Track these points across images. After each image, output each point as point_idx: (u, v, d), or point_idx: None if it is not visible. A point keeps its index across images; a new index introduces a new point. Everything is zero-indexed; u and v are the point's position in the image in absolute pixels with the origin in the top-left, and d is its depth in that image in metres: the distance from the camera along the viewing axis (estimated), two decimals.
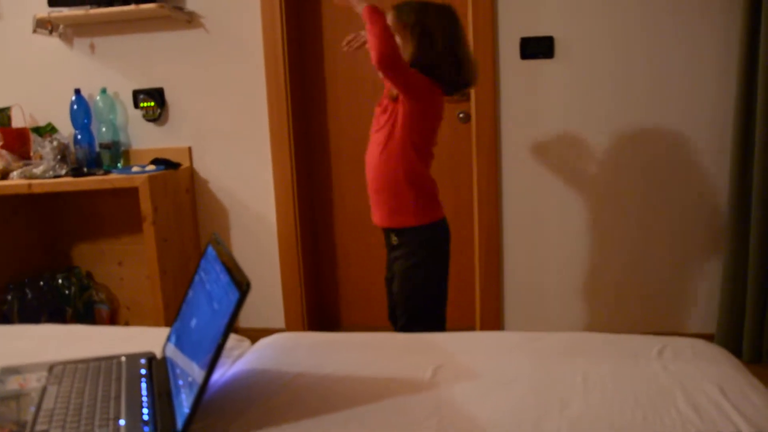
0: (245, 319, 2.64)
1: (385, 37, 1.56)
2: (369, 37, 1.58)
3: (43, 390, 1.01)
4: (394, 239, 1.75)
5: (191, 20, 2.55)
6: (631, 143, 2.34)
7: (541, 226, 2.45)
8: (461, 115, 2.55)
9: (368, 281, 2.79)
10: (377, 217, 1.77)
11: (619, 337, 1.22)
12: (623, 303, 2.46)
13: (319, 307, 2.85)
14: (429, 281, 1.74)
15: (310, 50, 2.66)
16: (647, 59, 2.28)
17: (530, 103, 2.39)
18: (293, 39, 2.59)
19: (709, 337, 2.13)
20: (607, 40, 2.30)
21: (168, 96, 2.64)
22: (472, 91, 2.41)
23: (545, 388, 1.00)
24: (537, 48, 2.33)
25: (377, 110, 1.77)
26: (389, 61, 1.57)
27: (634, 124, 2.33)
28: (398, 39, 1.64)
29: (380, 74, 1.62)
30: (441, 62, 1.64)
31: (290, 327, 2.68)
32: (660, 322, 2.44)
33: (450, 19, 1.66)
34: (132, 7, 2.43)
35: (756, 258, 2.18)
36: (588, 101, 2.35)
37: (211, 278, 1.00)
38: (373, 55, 1.57)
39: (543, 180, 2.42)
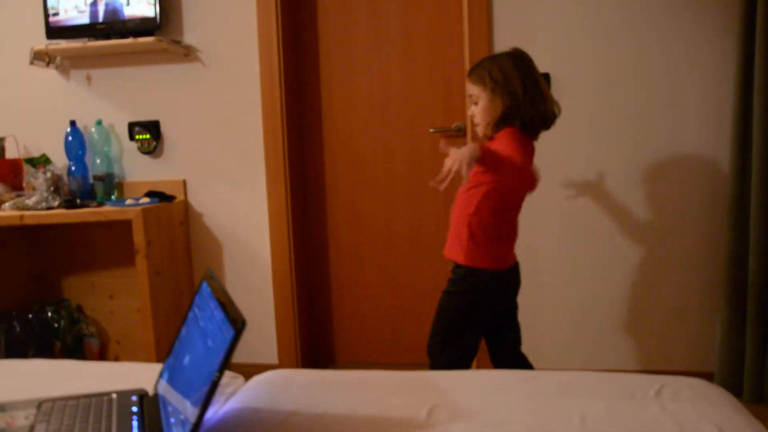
0: (237, 354, 2.61)
1: (513, 167, 1.59)
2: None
3: (31, 428, 1.00)
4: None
5: (188, 53, 2.60)
6: (629, 181, 2.37)
7: (535, 258, 2.46)
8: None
9: (363, 317, 2.79)
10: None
11: (615, 376, 1.22)
12: (620, 340, 2.45)
13: (314, 343, 2.84)
14: (458, 311, 1.82)
15: (308, 85, 2.71)
16: (649, 93, 2.32)
17: None
18: (291, 73, 2.63)
19: (708, 376, 2.12)
20: (604, 76, 2.34)
21: (164, 129, 2.67)
22: (468, 127, 2.45)
23: (542, 429, 1.00)
24: None
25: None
26: (525, 177, 1.65)
27: (637, 162, 2.36)
28: (482, 102, 1.72)
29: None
30: (528, 107, 1.69)
31: (283, 363, 2.66)
32: (658, 360, 2.43)
33: (522, 62, 1.72)
34: (130, 40, 2.48)
35: (756, 293, 2.17)
36: (588, 139, 2.38)
37: (206, 315, 1.00)
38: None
39: (536, 210, 2.44)
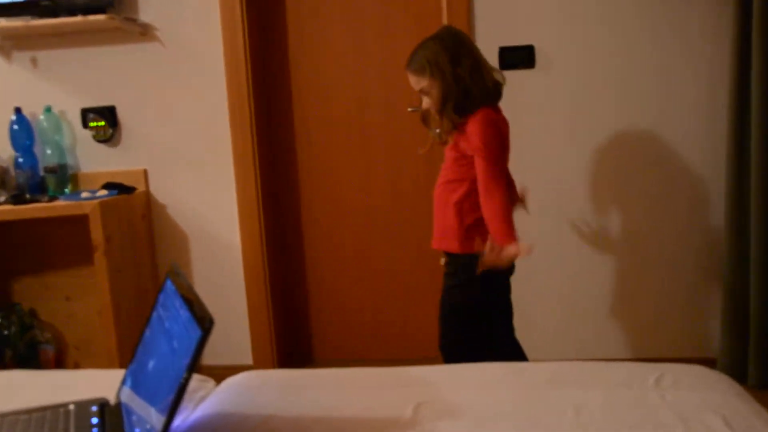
0: (208, 356, 2.61)
1: (505, 213, 1.75)
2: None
3: None
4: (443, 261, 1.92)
5: (145, 32, 2.56)
6: (621, 158, 2.39)
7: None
8: (437, 130, 2.58)
9: (343, 311, 2.79)
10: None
11: (611, 365, 1.23)
12: (616, 327, 2.48)
13: (290, 341, 2.83)
14: (467, 304, 1.89)
15: (276, 63, 2.68)
16: (634, 65, 2.34)
17: (510, 117, 2.40)
18: (257, 51, 2.60)
19: (710, 362, 2.15)
20: (590, 47, 2.35)
21: (120, 114, 2.63)
22: None
23: (534, 423, 1.01)
24: (516, 57, 2.38)
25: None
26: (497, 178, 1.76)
27: (623, 136, 2.38)
28: (433, 90, 1.78)
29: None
30: (472, 85, 1.75)
31: (258, 363, 2.65)
32: (656, 347, 2.47)
33: (452, 40, 1.78)
34: (79, 18, 2.42)
35: (758, 275, 2.19)
36: (572, 113, 2.39)
37: (171, 315, 0.99)
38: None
39: (531, 195, 2.45)
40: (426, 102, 1.82)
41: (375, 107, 2.64)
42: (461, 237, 1.82)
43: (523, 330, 2.52)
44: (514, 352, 1.97)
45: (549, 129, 2.42)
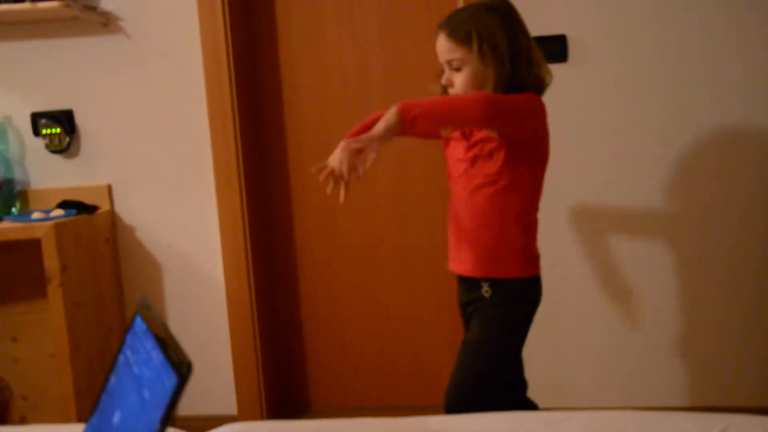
0: (185, 405, 2.61)
1: (457, 103, 1.66)
2: (449, 124, 1.70)
3: None
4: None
5: (107, 23, 2.58)
6: (666, 167, 2.39)
7: (558, 271, 2.47)
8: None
9: (344, 351, 2.79)
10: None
11: (664, 415, 1.23)
12: (668, 371, 2.47)
13: (282, 386, 2.83)
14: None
15: (264, 61, 2.71)
16: (683, 57, 2.35)
17: None
18: (241, 45, 2.63)
19: None
20: (631, 36, 2.37)
21: (79, 120, 2.65)
22: None
23: None
24: (547, 49, 2.38)
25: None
26: (491, 112, 1.64)
27: (673, 140, 2.38)
28: (469, 68, 1.72)
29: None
30: (524, 74, 1.74)
31: (244, 414, 2.65)
32: (718, 394, 2.45)
33: (511, 18, 1.76)
34: (27, 5, 2.43)
35: None
36: (611, 113, 2.40)
37: (140, 358, 0.99)
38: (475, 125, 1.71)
39: (557, 212, 2.46)
40: (451, 78, 1.76)
41: (380, 109, 2.64)
42: (524, 257, 1.79)
43: (556, 373, 2.52)
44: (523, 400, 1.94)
45: (585, 132, 2.42)
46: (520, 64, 1.71)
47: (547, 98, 2.40)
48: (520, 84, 1.72)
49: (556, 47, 2.39)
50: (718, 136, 2.36)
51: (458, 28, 1.72)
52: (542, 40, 2.38)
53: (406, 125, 1.57)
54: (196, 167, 2.61)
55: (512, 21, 1.74)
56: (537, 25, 2.38)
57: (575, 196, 2.44)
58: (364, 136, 1.57)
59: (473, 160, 1.79)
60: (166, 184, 2.63)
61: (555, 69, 2.38)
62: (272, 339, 2.79)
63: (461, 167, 1.83)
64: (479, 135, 1.78)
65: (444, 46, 1.75)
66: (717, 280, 2.41)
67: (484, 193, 1.78)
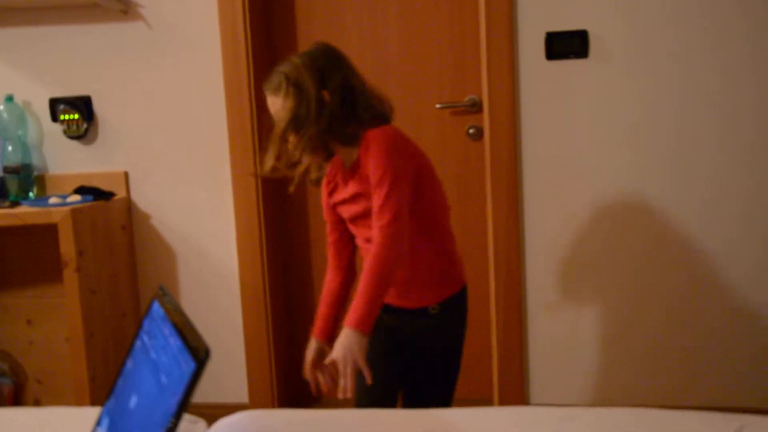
0: (198, 393, 2.61)
1: (385, 273, 1.62)
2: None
3: None
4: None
5: (127, 10, 2.59)
6: (689, 166, 2.38)
7: (574, 269, 2.47)
8: (471, 131, 2.59)
9: None
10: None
11: (679, 414, 1.22)
12: (683, 369, 2.46)
13: (294, 376, 2.83)
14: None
15: (283, 51, 2.70)
16: (704, 57, 2.33)
17: (559, 115, 2.43)
18: (260, 36, 2.63)
19: None
20: (655, 34, 2.35)
21: (97, 107, 2.66)
22: (485, 101, 2.45)
23: None
24: (567, 45, 2.38)
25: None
26: (402, 234, 1.64)
27: (690, 138, 2.37)
28: (285, 111, 1.70)
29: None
30: (352, 111, 1.72)
31: (256, 402, 2.66)
32: (733, 394, 2.44)
33: (316, 56, 1.76)
34: None
35: None
36: (630, 109, 2.38)
37: (158, 343, 1.00)
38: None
39: (576, 212, 2.45)
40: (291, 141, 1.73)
41: (398, 102, 2.64)
42: (456, 273, 1.85)
43: (569, 370, 2.52)
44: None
45: (605, 132, 2.41)
46: (336, 99, 1.69)
47: (566, 95, 2.40)
48: (350, 117, 1.70)
49: (577, 43, 2.37)
50: (739, 132, 2.34)
51: (272, 80, 1.73)
52: (562, 35, 2.38)
53: (368, 331, 1.59)
54: (212, 156, 2.61)
55: (322, 62, 1.74)
56: (557, 20, 2.38)
57: (592, 192, 2.43)
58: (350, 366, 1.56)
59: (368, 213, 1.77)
60: (183, 172, 2.64)
61: (574, 65, 2.40)
62: (285, 328, 2.80)
63: (362, 220, 1.81)
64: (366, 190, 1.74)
65: (269, 104, 1.75)
66: (732, 278, 2.40)
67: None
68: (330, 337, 1.88)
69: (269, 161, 1.71)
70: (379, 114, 1.77)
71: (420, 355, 1.89)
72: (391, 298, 1.81)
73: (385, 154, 1.65)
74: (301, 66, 1.70)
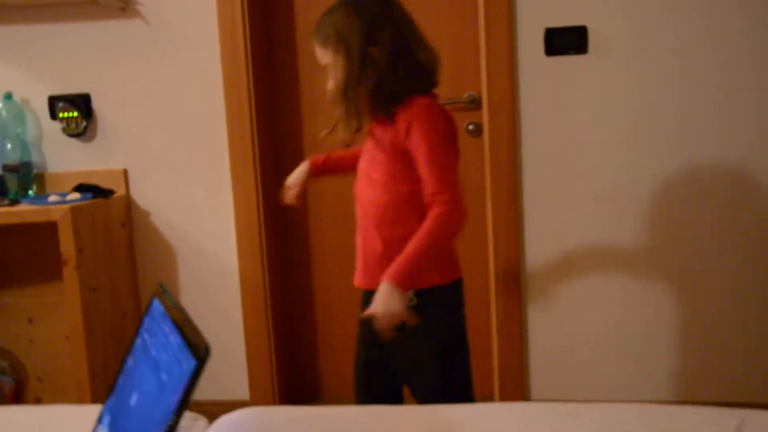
0: (199, 390, 2.61)
1: (437, 239, 1.59)
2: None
3: None
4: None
5: (125, 7, 2.58)
6: (691, 162, 2.38)
7: (575, 266, 2.47)
8: (471, 127, 2.59)
9: (355, 342, 2.78)
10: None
11: (679, 409, 1.22)
12: (683, 364, 2.46)
13: (294, 373, 2.84)
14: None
15: (281, 46, 2.70)
16: (703, 53, 2.33)
17: (558, 111, 2.43)
18: (258, 30, 2.62)
19: None
20: (655, 30, 2.35)
21: (96, 104, 2.66)
22: (485, 97, 2.45)
23: None
24: (566, 41, 2.38)
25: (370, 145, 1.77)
26: (460, 217, 1.61)
27: (694, 137, 2.37)
28: (337, 72, 1.66)
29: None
30: (393, 69, 1.64)
31: (257, 399, 2.66)
32: (733, 389, 2.44)
33: (362, 5, 1.67)
34: None
35: None
36: (632, 108, 2.38)
37: (158, 341, 1.00)
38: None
39: (577, 210, 2.44)
40: (331, 83, 1.71)
41: None
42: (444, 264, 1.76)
43: (571, 365, 2.52)
44: None
45: (604, 127, 2.41)
46: (381, 58, 1.62)
47: (565, 91, 2.40)
48: (400, 80, 1.64)
49: (576, 39, 2.37)
50: (739, 129, 2.34)
51: (319, 31, 1.68)
52: (562, 31, 2.38)
53: (405, 289, 1.57)
54: (211, 153, 2.61)
55: (373, 16, 1.64)
56: (556, 16, 2.38)
57: (591, 189, 2.43)
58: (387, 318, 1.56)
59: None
60: (182, 170, 2.64)
61: (573, 61, 2.39)
62: (285, 326, 2.80)
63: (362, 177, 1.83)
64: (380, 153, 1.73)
65: (317, 53, 1.71)
66: (731, 274, 2.40)
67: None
68: (321, 171, 1.97)
69: (342, 128, 1.68)
70: (426, 78, 1.69)
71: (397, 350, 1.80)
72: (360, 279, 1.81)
73: (434, 134, 1.62)
74: (349, 17, 1.63)
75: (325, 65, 1.69)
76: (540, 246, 2.48)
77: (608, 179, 2.42)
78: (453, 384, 1.78)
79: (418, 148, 1.62)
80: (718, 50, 2.32)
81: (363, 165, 1.79)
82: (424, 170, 1.62)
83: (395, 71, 1.63)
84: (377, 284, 1.61)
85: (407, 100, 1.65)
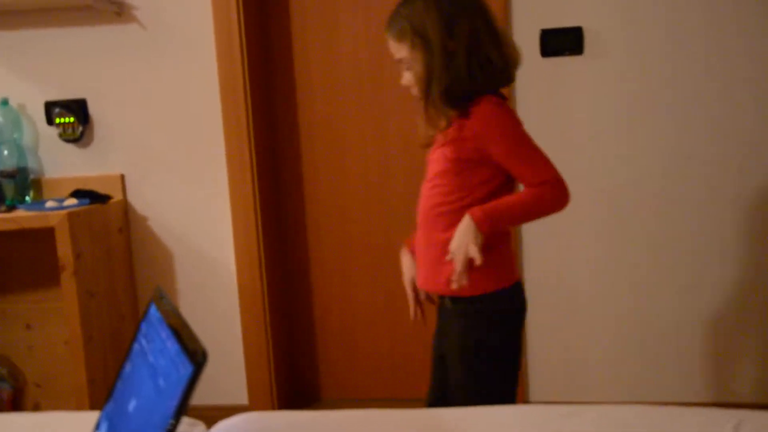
0: (197, 395, 2.61)
1: (539, 208, 1.60)
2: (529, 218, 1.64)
3: None
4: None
5: (121, 12, 2.59)
6: (689, 162, 2.38)
7: (571, 269, 2.47)
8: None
9: (354, 343, 2.79)
10: None
11: (678, 410, 1.22)
12: (682, 365, 2.47)
13: (293, 377, 2.84)
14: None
15: (277, 53, 2.70)
16: (699, 53, 2.33)
17: (554, 112, 2.43)
18: (254, 37, 2.63)
19: None
20: (650, 31, 2.35)
21: (92, 109, 2.66)
22: None
23: None
24: (562, 42, 2.39)
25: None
26: (563, 196, 1.61)
27: (688, 137, 2.37)
28: (417, 66, 1.61)
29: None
30: (471, 64, 1.59)
31: (255, 404, 2.66)
32: (731, 389, 2.45)
33: (451, 4, 1.60)
34: None
35: None
36: (626, 106, 2.39)
37: (155, 347, 1.00)
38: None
39: (571, 214, 2.43)
40: (407, 78, 1.66)
41: (393, 103, 2.65)
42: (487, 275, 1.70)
43: (569, 367, 2.52)
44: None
45: (600, 128, 2.41)
46: (459, 54, 1.57)
47: (561, 92, 2.40)
48: (472, 78, 1.58)
49: (572, 40, 2.37)
50: (734, 129, 2.34)
51: (394, 24, 1.63)
52: (557, 32, 2.38)
53: (485, 230, 1.55)
54: (208, 158, 2.61)
55: (453, 10, 1.58)
56: (552, 17, 2.39)
57: (589, 190, 2.43)
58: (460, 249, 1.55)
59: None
60: (179, 175, 2.64)
61: (569, 62, 2.40)
62: (283, 330, 2.79)
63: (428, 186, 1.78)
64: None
65: (391, 46, 1.66)
66: (729, 275, 2.40)
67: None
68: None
69: (430, 125, 1.64)
70: (497, 75, 1.63)
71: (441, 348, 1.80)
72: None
73: (510, 130, 1.62)
74: (427, 9, 1.57)
75: (399, 60, 1.65)
76: (537, 248, 2.48)
77: (605, 180, 2.42)
78: (476, 390, 1.71)
79: (499, 151, 1.59)
80: (713, 51, 2.32)
81: (429, 166, 1.76)
82: (515, 169, 1.61)
83: (469, 67, 1.58)
84: (435, 286, 1.68)
85: (476, 99, 1.60)
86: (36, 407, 2.78)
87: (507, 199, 1.59)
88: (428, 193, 1.72)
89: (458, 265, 1.54)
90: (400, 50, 1.63)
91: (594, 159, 2.42)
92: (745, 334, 2.42)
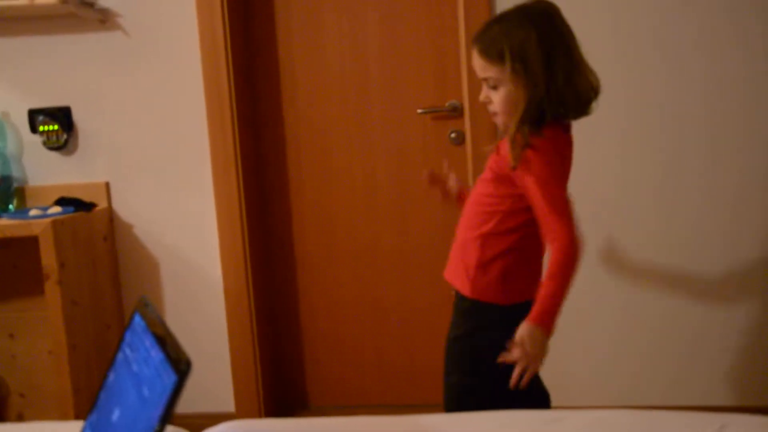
0: (183, 403, 2.59)
1: (566, 278, 1.60)
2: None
3: None
4: None
5: (105, 20, 2.58)
6: (676, 167, 2.40)
7: None
8: (453, 135, 2.60)
9: (342, 349, 2.79)
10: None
11: (662, 414, 1.23)
12: (667, 369, 2.48)
13: (280, 384, 2.83)
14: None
15: (262, 58, 2.70)
16: (689, 60, 2.35)
17: None
18: (239, 41, 2.63)
19: None
20: (643, 34, 2.36)
21: (76, 117, 2.65)
22: (466, 106, 2.47)
23: None
24: None
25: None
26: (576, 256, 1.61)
27: (682, 142, 2.38)
28: (504, 88, 1.60)
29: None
30: (563, 92, 1.58)
31: (242, 411, 2.66)
32: (717, 393, 2.46)
33: (550, 28, 1.59)
34: (24, 1, 2.42)
35: None
36: (619, 113, 2.38)
37: (140, 356, 1.00)
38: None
39: None
40: (489, 96, 1.64)
41: (379, 107, 2.66)
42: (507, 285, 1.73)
43: (555, 372, 2.53)
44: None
45: (590, 133, 2.41)
46: (557, 80, 1.56)
47: None
48: (556, 102, 1.58)
49: None
50: (726, 135, 2.36)
51: (491, 45, 1.59)
52: None
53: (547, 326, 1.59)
54: (194, 165, 2.61)
55: (551, 33, 1.57)
56: None
57: (581, 196, 2.44)
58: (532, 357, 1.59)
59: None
60: (164, 182, 2.64)
61: None
62: (270, 337, 2.79)
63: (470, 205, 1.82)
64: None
65: (478, 64, 1.63)
66: (719, 279, 2.42)
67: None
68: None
69: (515, 150, 1.58)
70: (575, 105, 1.63)
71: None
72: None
73: (547, 168, 1.60)
74: (524, 29, 1.55)
75: (484, 78, 1.64)
76: None
77: (596, 184, 2.42)
78: (464, 400, 1.77)
79: (529, 187, 1.60)
80: (707, 55, 2.34)
81: (466, 206, 1.80)
82: (536, 212, 1.62)
83: (564, 96, 1.58)
84: (453, 280, 1.76)
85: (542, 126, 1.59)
86: (20, 417, 2.76)
87: (545, 290, 1.59)
88: (475, 190, 1.78)
89: (518, 369, 1.56)
90: (488, 70, 1.61)
91: (586, 163, 2.42)
92: (730, 338, 2.43)
